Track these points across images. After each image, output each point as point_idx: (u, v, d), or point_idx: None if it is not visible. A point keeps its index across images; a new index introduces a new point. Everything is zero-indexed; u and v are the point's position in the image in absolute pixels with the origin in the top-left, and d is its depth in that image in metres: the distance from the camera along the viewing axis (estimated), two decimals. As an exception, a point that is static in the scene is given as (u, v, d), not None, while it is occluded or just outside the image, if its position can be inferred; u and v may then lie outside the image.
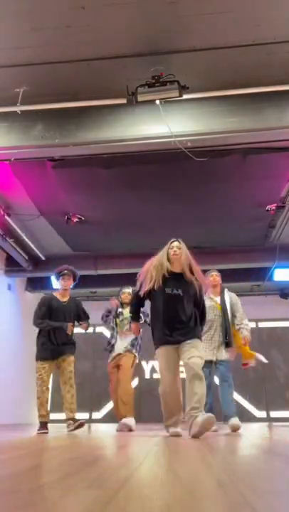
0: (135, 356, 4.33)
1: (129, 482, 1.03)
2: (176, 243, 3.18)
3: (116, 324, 4.51)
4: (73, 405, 3.82)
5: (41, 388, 3.78)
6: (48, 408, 3.83)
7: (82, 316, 4.17)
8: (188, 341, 2.94)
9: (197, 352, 2.91)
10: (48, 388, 3.85)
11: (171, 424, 2.90)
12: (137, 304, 3.37)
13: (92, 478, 1.10)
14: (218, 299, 4.07)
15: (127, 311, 4.44)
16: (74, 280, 4.20)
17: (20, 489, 0.95)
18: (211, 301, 4.02)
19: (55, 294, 4.19)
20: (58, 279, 4.21)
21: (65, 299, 4.12)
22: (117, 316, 4.54)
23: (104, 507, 0.76)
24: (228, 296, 4.13)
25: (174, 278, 3.06)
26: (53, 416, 4.02)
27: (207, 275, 4.11)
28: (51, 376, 3.99)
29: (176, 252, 3.10)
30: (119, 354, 4.32)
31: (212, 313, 3.89)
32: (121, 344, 4.39)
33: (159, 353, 3.03)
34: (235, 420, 3.57)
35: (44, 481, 1.09)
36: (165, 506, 0.78)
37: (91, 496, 0.87)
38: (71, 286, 4.22)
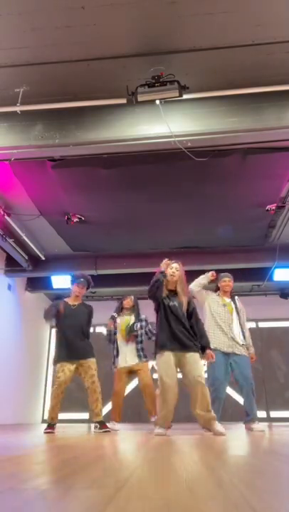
0: (148, 362, 4.60)
1: (129, 482, 1.03)
2: (175, 265, 3.54)
3: (115, 334, 4.73)
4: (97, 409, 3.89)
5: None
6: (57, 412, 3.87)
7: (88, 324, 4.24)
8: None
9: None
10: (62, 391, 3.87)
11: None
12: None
13: (92, 478, 1.10)
14: (228, 300, 4.31)
15: (128, 318, 4.71)
16: (87, 289, 4.35)
17: (21, 489, 0.95)
18: (221, 300, 4.26)
19: (65, 299, 4.30)
20: (72, 284, 4.30)
21: (76, 303, 4.22)
22: (115, 334, 4.75)
23: (104, 507, 0.76)
24: (240, 304, 4.37)
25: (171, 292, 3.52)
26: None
27: (220, 279, 4.30)
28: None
29: (173, 274, 3.50)
30: (133, 365, 4.53)
31: (223, 311, 4.17)
32: (130, 353, 4.57)
33: None
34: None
35: (44, 481, 1.09)
36: (165, 506, 0.78)
37: (91, 496, 0.87)
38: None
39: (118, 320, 4.76)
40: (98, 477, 1.12)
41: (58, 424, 3.89)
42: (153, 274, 3.51)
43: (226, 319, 4.12)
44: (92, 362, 3.95)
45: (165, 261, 3.52)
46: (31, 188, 5.19)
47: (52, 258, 7.16)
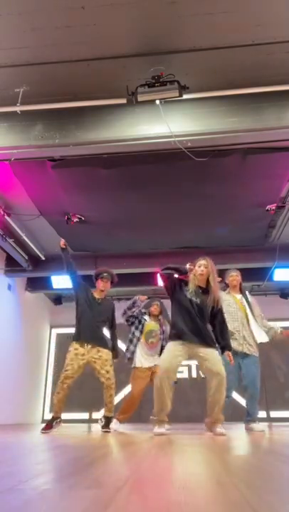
0: None
1: (129, 482, 1.03)
2: (203, 261, 3.45)
3: (138, 330, 4.60)
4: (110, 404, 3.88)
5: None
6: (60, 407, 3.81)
7: (111, 323, 4.21)
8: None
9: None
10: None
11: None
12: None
13: (92, 478, 1.10)
14: (238, 296, 4.27)
15: (153, 324, 4.61)
16: (112, 283, 4.26)
17: (21, 489, 0.95)
18: (232, 298, 4.21)
19: (92, 290, 4.24)
20: (95, 280, 4.24)
21: (100, 297, 4.18)
22: (140, 322, 4.63)
23: (105, 507, 0.76)
24: (250, 297, 4.33)
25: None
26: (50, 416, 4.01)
27: (227, 275, 4.28)
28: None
29: (202, 272, 3.42)
30: (151, 367, 4.44)
31: (234, 309, 4.12)
32: (147, 355, 4.49)
33: None
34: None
35: (44, 481, 1.09)
36: (165, 506, 0.78)
37: (91, 495, 0.87)
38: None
39: (146, 320, 4.65)
40: (98, 477, 1.12)
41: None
42: (154, 273, 3.52)
43: (239, 317, 4.07)
44: (107, 355, 3.89)
45: (188, 266, 3.46)
46: (31, 188, 5.19)
47: (52, 258, 7.15)
